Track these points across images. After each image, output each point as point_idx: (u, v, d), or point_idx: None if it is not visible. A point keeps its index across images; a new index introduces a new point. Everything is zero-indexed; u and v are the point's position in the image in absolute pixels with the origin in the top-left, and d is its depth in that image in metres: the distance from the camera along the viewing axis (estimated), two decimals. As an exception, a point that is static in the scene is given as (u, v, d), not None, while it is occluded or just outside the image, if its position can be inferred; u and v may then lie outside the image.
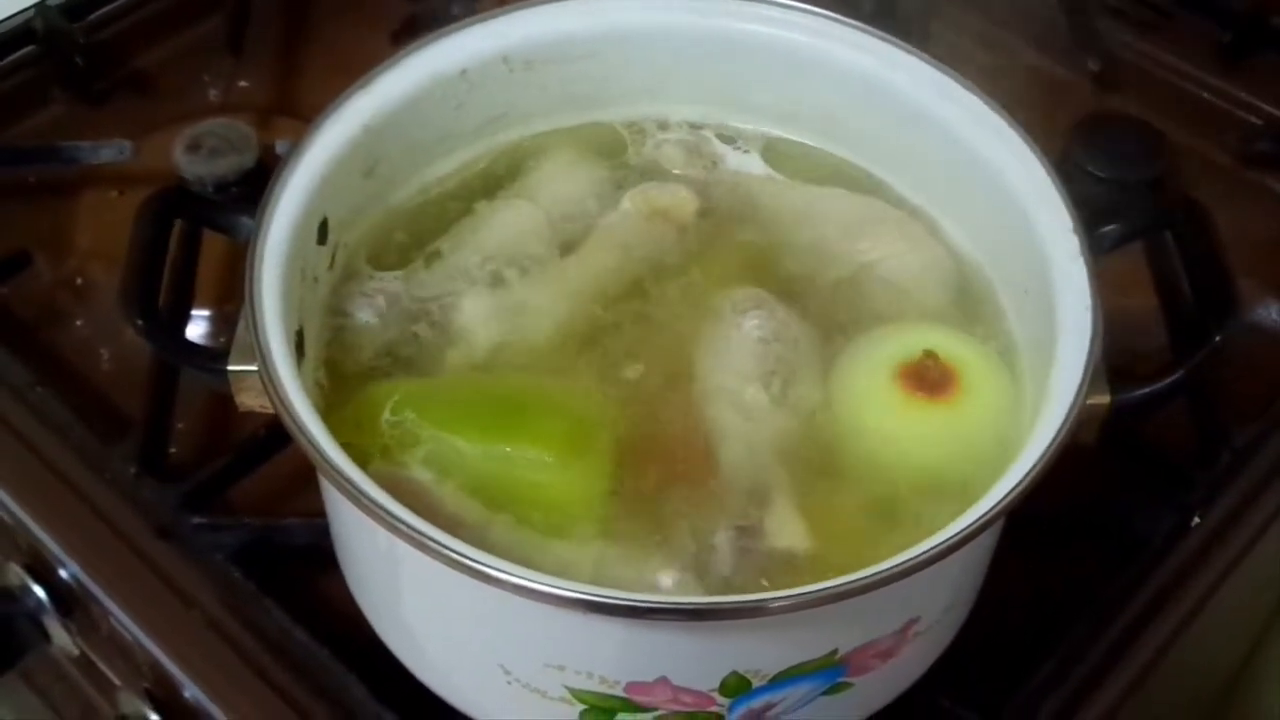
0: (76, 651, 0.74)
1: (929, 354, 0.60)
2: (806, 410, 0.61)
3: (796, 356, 0.62)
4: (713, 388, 0.61)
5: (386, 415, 0.57)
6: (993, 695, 0.62)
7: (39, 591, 0.71)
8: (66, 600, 0.70)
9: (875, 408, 0.60)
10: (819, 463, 0.60)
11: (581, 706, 0.54)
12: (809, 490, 0.59)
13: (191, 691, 0.63)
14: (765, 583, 0.56)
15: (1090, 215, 0.61)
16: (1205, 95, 0.92)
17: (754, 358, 0.62)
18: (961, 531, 0.50)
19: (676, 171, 0.70)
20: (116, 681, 0.72)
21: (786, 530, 0.57)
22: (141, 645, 0.65)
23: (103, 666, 0.74)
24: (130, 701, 0.70)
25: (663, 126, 0.72)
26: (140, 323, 0.62)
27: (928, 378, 0.60)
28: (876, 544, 0.56)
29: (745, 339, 0.62)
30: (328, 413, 0.56)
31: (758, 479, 0.59)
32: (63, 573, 0.68)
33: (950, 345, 0.61)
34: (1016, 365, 0.62)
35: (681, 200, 0.68)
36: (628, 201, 0.68)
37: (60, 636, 0.74)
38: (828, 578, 0.49)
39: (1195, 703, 0.83)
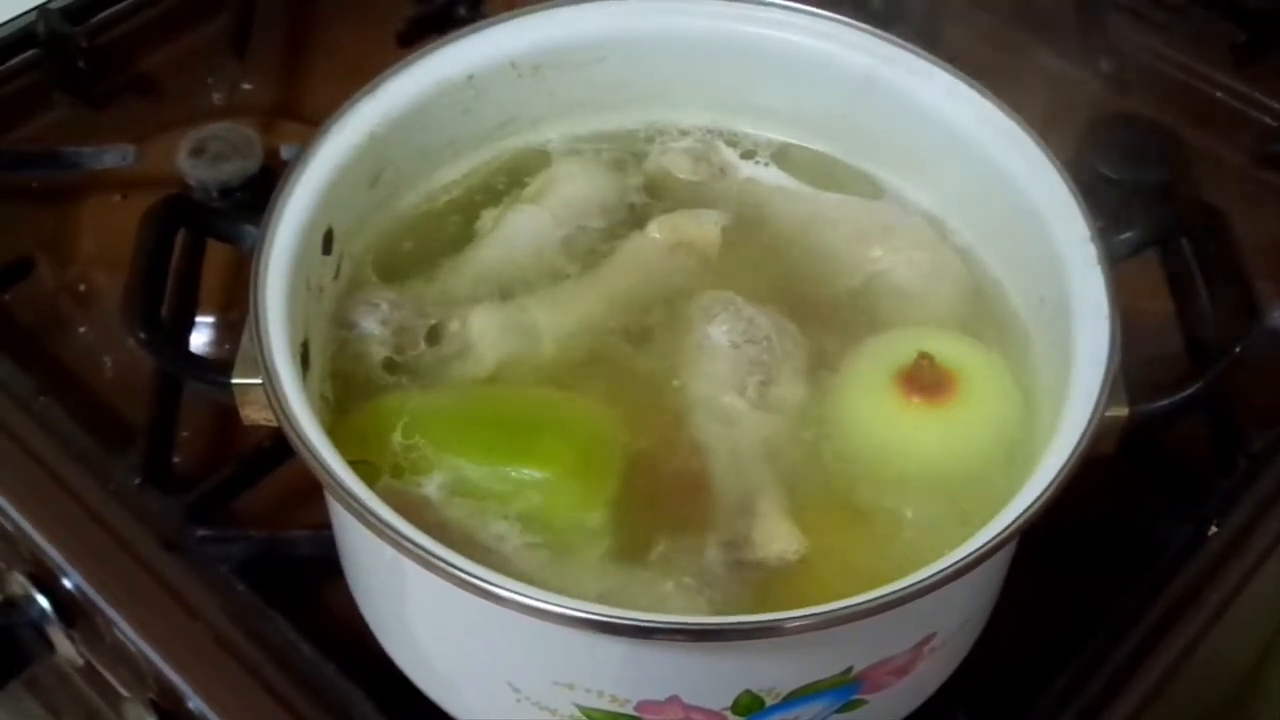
0: (81, 661, 0.74)
1: (924, 356, 0.59)
2: (792, 410, 0.60)
3: (771, 356, 0.61)
4: (697, 399, 0.61)
5: (394, 433, 0.57)
6: (1009, 707, 0.62)
7: (42, 601, 0.70)
8: (70, 610, 0.70)
9: (873, 412, 0.60)
10: (812, 467, 0.59)
11: (592, 725, 0.54)
12: (802, 496, 0.58)
13: (196, 703, 0.62)
14: (766, 596, 0.55)
15: (1106, 222, 0.60)
16: (1220, 95, 0.91)
17: (727, 363, 0.61)
18: (980, 549, 0.49)
19: (683, 177, 0.69)
20: (122, 691, 0.72)
21: (775, 538, 0.56)
22: (145, 656, 0.64)
23: (107, 676, 0.74)
24: (135, 711, 0.69)
25: (672, 132, 0.71)
26: (143, 336, 0.62)
27: (924, 380, 0.59)
28: (877, 551, 0.56)
29: (716, 345, 0.61)
30: (333, 427, 0.56)
31: (745, 488, 0.58)
32: (66, 583, 0.67)
33: (949, 348, 0.60)
34: (1032, 373, 0.62)
35: (709, 232, 0.66)
36: (655, 229, 0.66)
37: (64, 646, 0.73)
38: (827, 585, 0.49)
39: (1212, 709, 0.82)
